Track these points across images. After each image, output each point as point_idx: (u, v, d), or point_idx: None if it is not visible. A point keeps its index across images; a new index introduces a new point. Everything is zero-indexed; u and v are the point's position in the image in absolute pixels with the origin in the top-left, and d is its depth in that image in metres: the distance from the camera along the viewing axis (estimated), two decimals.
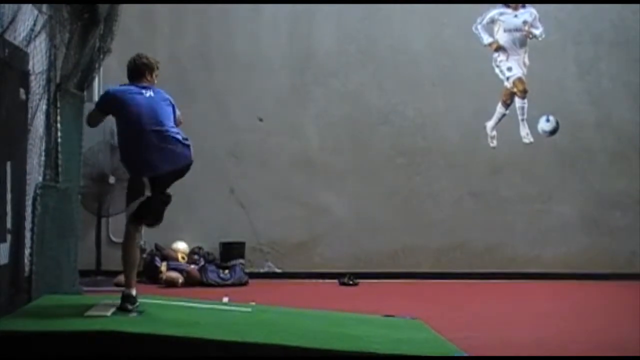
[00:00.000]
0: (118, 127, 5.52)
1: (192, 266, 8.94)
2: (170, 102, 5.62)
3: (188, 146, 5.47)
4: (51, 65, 6.22)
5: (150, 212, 5.44)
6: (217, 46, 9.65)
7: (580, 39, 9.87)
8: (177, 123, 5.62)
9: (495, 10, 9.86)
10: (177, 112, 5.68)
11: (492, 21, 9.85)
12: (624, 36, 9.81)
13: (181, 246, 9.22)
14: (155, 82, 5.69)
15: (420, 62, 9.79)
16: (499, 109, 9.78)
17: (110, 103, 5.51)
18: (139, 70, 5.60)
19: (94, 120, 5.75)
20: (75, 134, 6.84)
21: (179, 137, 5.44)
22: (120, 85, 5.65)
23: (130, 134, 5.39)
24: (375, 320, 5.82)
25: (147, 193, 5.33)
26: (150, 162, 5.32)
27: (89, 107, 7.43)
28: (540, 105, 9.80)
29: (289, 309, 6.17)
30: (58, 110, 6.32)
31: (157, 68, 5.68)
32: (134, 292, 5.33)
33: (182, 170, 5.47)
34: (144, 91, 5.49)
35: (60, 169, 6.35)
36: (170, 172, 5.39)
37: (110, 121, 9.37)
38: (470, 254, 9.61)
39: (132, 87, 5.53)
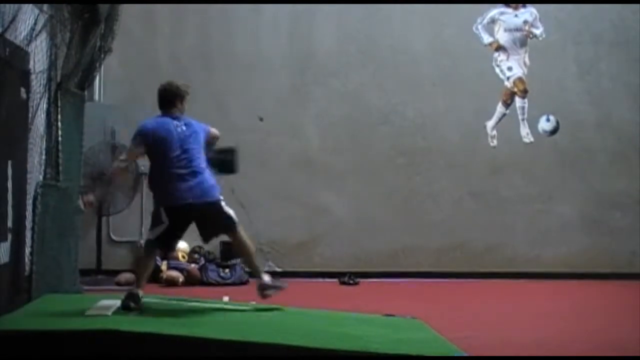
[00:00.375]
0: (149, 158, 5.55)
1: (193, 265, 8.95)
2: (203, 130, 5.66)
3: (213, 185, 5.51)
4: (52, 64, 6.23)
5: (171, 241, 5.64)
6: (217, 46, 9.65)
7: (580, 39, 9.88)
8: (210, 141, 5.71)
9: (495, 10, 9.86)
10: (212, 131, 5.76)
11: (493, 21, 9.85)
12: (624, 36, 9.82)
13: (181, 245, 9.20)
14: (186, 108, 5.68)
15: (420, 62, 9.79)
16: (499, 108, 9.79)
17: (147, 137, 5.49)
18: (169, 99, 5.60)
19: (133, 157, 5.72)
20: (75, 134, 6.85)
21: (206, 175, 5.49)
22: (155, 118, 5.63)
23: (159, 166, 5.47)
24: (375, 320, 5.82)
25: (165, 221, 5.39)
26: (172, 193, 5.39)
27: (89, 106, 7.50)
28: (541, 105, 9.81)
29: (290, 308, 6.16)
30: (59, 110, 6.33)
31: (188, 93, 5.67)
32: (141, 293, 5.35)
33: (205, 205, 5.45)
34: (176, 124, 5.50)
35: (60, 168, 6.36)
36: (190, 205, 5.40)
37: (110, 121, 9.44)
38: (471, 254, 9.61)
39: (166, 119, 5.53)
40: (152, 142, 5.47)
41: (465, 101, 9.73)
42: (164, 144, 5.44)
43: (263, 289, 5.61)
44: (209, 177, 5.53)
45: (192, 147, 5.49)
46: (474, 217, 9.65)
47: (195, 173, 5.45)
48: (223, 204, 5.57)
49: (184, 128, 5.52)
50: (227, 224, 5.59)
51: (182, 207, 5.40)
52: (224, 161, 5.92)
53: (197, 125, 5.66)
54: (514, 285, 9.05)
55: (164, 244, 5.62)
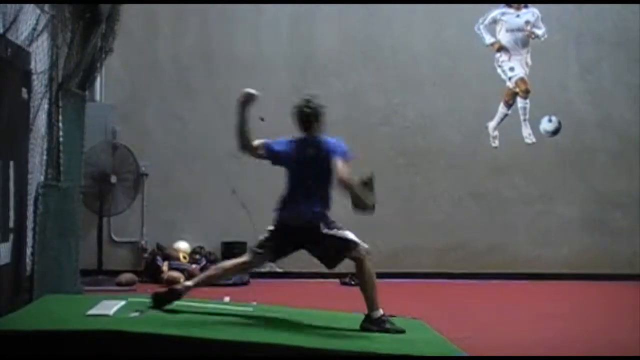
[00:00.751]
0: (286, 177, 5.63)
1: (194, 266, 8.95)
2: (335, 153, 5.49)
3: (314, 212, 5.51)
4: (53, 64, 6.22)
5: (270, 253, 5.67)
6: (218, 46, 9.66)
7: (581, 39, 9.88)
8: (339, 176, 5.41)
9: (497, 10, 9.86)
10: (339, 167, 5.36)
11: (494, 21, 9.85)
12: (625, 36, 9.82)
13: (183, 246, 9.23)
14: (323, 125, 5.63)
15: (421, 62, 9.79)
16: (501, 109, 9.79)
17: (271, 153, 5.59)
18: (306, 120, 5.57)
19: (256, 152, 5.65)
20: (76, 134, 6.85)
21: (312, 200, 5.50)
22: (289, 139, 5.67)
23: (287, 188, 5.62)
24: None
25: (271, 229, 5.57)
26: (280, 213, 5.60)
27: (90, 106, 7.50)
28: (542, 105, 9.81)
29: (291, 308, 6.17)
30: (60, 110, 6.33)
31: (323, 112, 5.62)
32: (187, 291, 5.43)
33: (302, 231, 5.53)
34: (308, 150, 5.52)
35: (62, 168, 6.36)
36: (294, 227, 5.53)
37: (111, 121, 9.43)
38: (471, 254, 9.61)
39: (298, 142, 5.57)
40: (278, 160, 5.60)
41: (466, 102, 9.74)
42: (289, 166, 5.57)
43: (367, 322, 5.32)
44: (313, 203, 5.51)
45: (313, 173, 5.50)
46: (474, 217, 9.66)
47: (304, 197, 5.51)
48: (325, 230, 5.52)
49: (315, 151, 5.50)
50: (343, 245, 5.53)
51: (282, 229, 5.54)
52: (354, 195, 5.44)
53: (328, 148, 5.53)
54: (515, 286, 9.05)
55: (267, 251, 5.64)
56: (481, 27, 9.83)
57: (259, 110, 9.52)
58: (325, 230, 5.50)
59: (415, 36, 9.80)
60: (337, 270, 9.16)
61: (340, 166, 5.36)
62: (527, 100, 9.80)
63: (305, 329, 5.18)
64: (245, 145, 5.57)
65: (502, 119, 9.79)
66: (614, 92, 9.84)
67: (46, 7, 5.98)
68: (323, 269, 9.39)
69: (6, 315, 4.96)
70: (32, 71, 5.83)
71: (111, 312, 5.13)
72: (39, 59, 5.96)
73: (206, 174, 9.47)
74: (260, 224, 9.40)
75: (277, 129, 9.57)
